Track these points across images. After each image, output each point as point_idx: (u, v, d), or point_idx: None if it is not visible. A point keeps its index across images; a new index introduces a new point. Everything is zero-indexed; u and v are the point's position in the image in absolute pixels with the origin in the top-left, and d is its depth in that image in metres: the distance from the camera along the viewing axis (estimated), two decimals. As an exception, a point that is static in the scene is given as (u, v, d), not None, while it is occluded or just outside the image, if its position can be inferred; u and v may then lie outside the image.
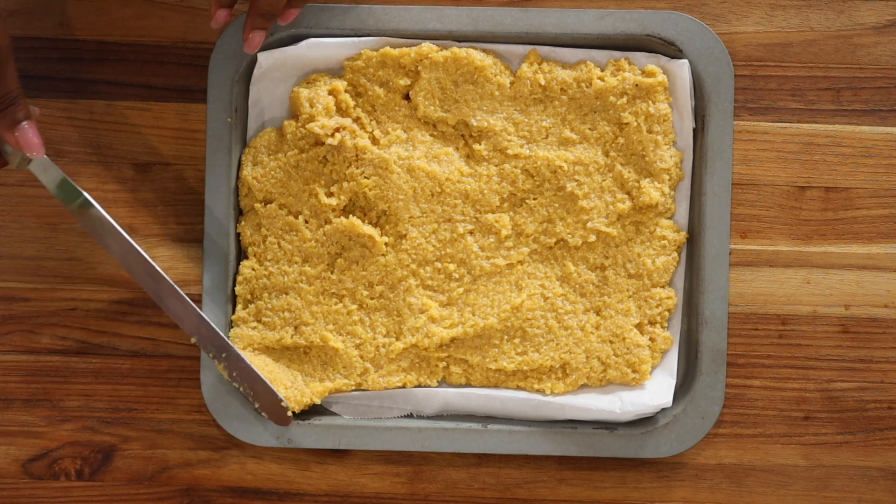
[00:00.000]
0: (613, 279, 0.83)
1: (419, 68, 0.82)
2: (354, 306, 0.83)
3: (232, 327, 0.83)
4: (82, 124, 0.85)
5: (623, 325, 0.82)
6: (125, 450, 0.85)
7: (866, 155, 0.84)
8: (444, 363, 0.83)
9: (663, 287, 0.83)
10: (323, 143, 0.81)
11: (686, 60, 0.82)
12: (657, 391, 0.82)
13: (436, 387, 0.83)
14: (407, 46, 0.82)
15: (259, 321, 0.83)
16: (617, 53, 0.83)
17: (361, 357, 0.83)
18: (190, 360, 0.84)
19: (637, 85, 0.82)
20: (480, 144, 0.82)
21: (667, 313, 0.83)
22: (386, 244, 0.82)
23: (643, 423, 0.82)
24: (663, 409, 0.82)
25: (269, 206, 0.82)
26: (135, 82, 0.85)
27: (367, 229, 0.82)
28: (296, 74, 0.83)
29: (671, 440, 0.82)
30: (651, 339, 0.83)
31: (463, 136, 0.83)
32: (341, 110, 0.82)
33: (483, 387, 0.83)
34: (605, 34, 0.82)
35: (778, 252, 0.84)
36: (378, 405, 0.83)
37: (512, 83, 0.83)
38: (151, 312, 0.85)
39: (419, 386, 0.83)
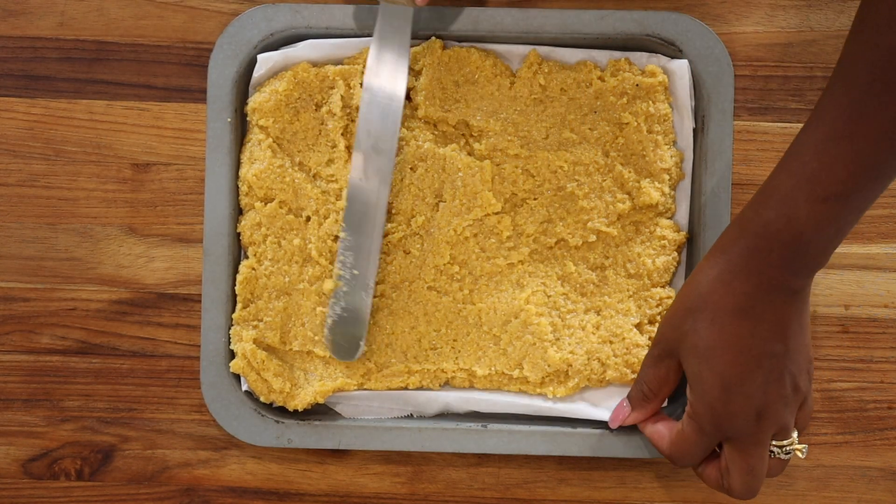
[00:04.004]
0: (613, 279, 0.83)
1: (420, 68, 0.82)
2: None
3: (232, 327, 0.83)
4: (82, 124, 0.85)
5: (623, 325, 0.82)
6: (125, 450, 0.85)
7: (866, 155, 0.84)
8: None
9: (663, 287, 0.83)
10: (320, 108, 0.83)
11: (686, 60, 0.82)
12: None
13: (438, 389, 0.83)
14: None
15: (260, 321, 0.82)
16: (617, 53, 0.83)
17: (367, 356, 0.83)
18: (190, 360, 0.84)
19: (637, 85, 0.82)
20: (481, 144, 0.82)
21: (667, 313, 0.83)
22: (387, 241, 0.83)
23: (643, 423, 0.83)
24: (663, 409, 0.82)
25: (269, 205, 0.82)
26: (134, 82, 0.85)
27: None
28: (296, 74, 0.83)
29: (671, 440, 0.82)
30: (650, 339, 0.83)
31: (464, 135, 0.83)
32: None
33: (485, 389, 0.83)
34: (605, 34, 0.82)
35: (778, 252, 0.84)
36: (378, 405, 0.83)
37: (512, 83, 0.83)
38: (151, 312, 0.85)
39: (421, 388, 0.83)
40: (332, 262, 0.83)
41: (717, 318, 0.71)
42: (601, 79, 0.82)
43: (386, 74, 0.79)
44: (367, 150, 0.79)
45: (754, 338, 0.70)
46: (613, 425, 0.80)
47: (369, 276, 0.80)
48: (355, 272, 0.80)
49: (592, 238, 0.82)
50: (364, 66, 0.82)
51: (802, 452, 0.74)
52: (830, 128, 0.66)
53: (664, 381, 0.76)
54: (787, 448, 0.74)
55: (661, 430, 0.77)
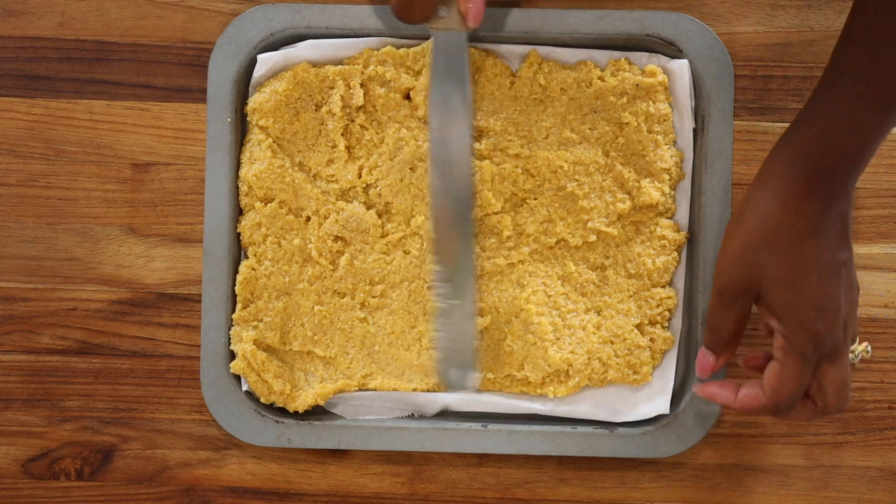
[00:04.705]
0: (614, 279, 0.83)
1: (420, 68, 0.82)
2: (357, 305, 0.83)
3: (232, 327, 0.83)
4: (82, 124, 0.85)
5: (623, 325, 0.82)
6: (125, 450, 0.85)
7: (866, 155, 0.84)
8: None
9: (663, 287, 0.83)
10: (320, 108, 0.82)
11: (686, 60, 0.82)
12: (655, 397, 0.82)
13: (441, 391, 0.83)
14: (408, 47, 0.82)
15: (260, 321, 0.82)
16: (617, 53, 0.83)
17: (367, 356, 0.83)
18: (190, 360, 0.84)
19: (637, 85, 0.82)
20: (481, 144, 0.82)
21: (667, 313, 0.83)
22: (387, 241, 0.83)
23: (643, 422, 0.82)
24: (663, 409, 0.83)
25: (269, 205, 0.82)
26: (135, 82, 0.85)
27: (369, 215, 0.82)
28: (296, 74, 0.83)
29: (671, 440, 0.82)
30: (651, 340, 0.83)
31: (463, 135, 0.83)
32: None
33: (486, 390, 0.83)
34: (605, 34, 0.82)
35: (778, 252, 0.84)
36: (379, 406, 0.83)
37: (512, 83, 0.83)
38: (151, 312, 0.85)
39: (426, 390, 0.83)
40: (332, 262, 0.83)
41: (795, 244, 0.71)
42: (601, 79, 0.82)
43: (450, 105, 0.79)
44: (442, 175, 0.79)
45: (829, 252, 0.71)
46: (705, 375, 0.78)
47: (470, 305, 0.80)
48: (455, 302, 0.80)
49: (592, 238, 0.82)
50: (364, 66, 0.82)
51: (868, 352, 0.75)
52: (879, 41, 0.67)
53: (741, 321, 0.75)
54: (857, 352, 0.75)
55: (752, 391, 0.75)
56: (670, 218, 0.83)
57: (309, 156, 0.83)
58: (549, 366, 0.82)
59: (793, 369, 0.72)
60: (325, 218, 0.83)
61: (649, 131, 0.82)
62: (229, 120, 0.82)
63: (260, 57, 0.82)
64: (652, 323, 0.83)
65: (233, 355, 0.82)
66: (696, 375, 0.79)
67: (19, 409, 0.85)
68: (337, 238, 0.83)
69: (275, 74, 0.83)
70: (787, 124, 0.83)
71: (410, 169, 0.82)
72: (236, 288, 0.83)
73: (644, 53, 0.83)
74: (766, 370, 0.73)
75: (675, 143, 0.83)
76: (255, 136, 0.83)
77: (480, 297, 0.83)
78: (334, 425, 0.82)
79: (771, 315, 0.72)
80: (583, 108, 0.83)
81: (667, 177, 0.82)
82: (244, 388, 0.83)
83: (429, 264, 0.82)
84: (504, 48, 0.83)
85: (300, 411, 0.82)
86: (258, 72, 0.82)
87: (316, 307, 0.83)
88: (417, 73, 0.82)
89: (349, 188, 0.83)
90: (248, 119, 0.83)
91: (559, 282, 0.83)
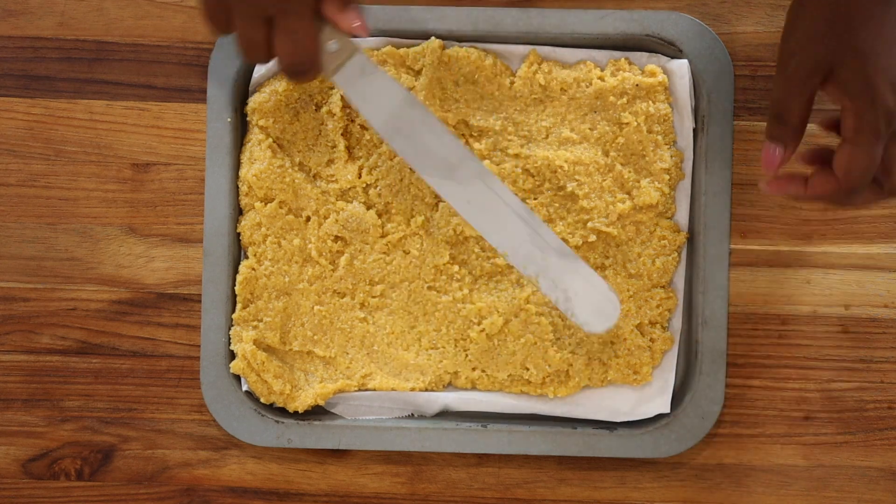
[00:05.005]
0: (613, 279, 0.83)
1: (420, 68, 0.82)
2: (356, 305, 0.83)
3: (232, 327, 0.83)
4: (82, 124, 0.85)
5: (623, 325, 0.82)
6: (125, 450, 0.85)
7: (866, 155, 0.84)
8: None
9: (663, 287, 0.83)
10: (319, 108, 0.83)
11: (686, 60, 0.82)
12: (655, 397, 0.82)
13: (441, 391, 0.83)
14: (407, 47, 0.82)
15: (260, 321, 0.83)
16: (617, 53, 0.83)
17: (367, 356, 0.83)
18: (190, 360, 0.84)
19: (637, 85, 0.82)
20: (481, 144, 0.82)
21: (667, 313, 0.83)
22: (387, 241, 0.83)
23: (643, 422, 0.82)
24: (663, 410, 0.82)
25: (269, 205, 0.82)
26: (134, 82, 0.85)
27: (369, 215, 0.82)
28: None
29: (671, 440, 0.82)
30: (651, 340, 0.83)
31: (463, 135, 0.83)
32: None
33: (486, 390, 0.83)
34: (605, 34, 0.82)
35: (778, 252, 0.84)
36: (379, 406, 0.83)
37: (512, 83, 0.83)
38: (151, 312, 0.85)
39: (426, 390, 0.83)
40: (332, 262, 0.83)
41: (869, 16, 0.69)
42: (601, 78, 0.82)
43: (395, 105, 0.75)
44: (445, 173, 0.76)
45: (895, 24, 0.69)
46: (772, 169, 0.74)
47: (550, 240, 0.76)
48: (543, 260, 0.76)
49: (592, 238, 0.82)
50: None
51: None
52: None
53: (809, 104, 0.73)
54: None
55: (822, 176, 0.72)
56: (670, 218, 0.83)
57: (309, 156, 0.83)
58: (549, 366, 0.82)
59: (865, 146, 0.70)
60: (325, 218, 0.83)
61: (649, 131, 0.82)
62: (229, 120, 0.82)
63: (260, 57, 0.82)
64: (652, 323, 0.83)
65: (233, 355, 0.82)
66: (763, 173, 0.76)
67: (19, 409, 0.85)
68: (337, 238, 0.83)
69: (275, 74, 0.83)
70: (787, 124, 0.84)
71: (410, 169, 0.82)
72: (236, 288, 0.83)
73: (644, 53, 0.83)
74: (837, 153, 0.71)
75: (675, 143, 0.83)
76: (255, 136, 0.83)
77: (479, 295, 0.83)
78: (334, 425, 0.82)
79: (843, 93, 0.70)
80: (583, 108, 0.83)
81: (666, 177, 0.82)
82: (244, 388, 0.83)
83: (429, 265, 0.83)
84: (504, 48, 0.83)
85: (300, 411, 0.82)
86: (258, 72, 0.82)
87: (316, 307, 0.83)
88: (417, 73, 0.82)
89: (349, 188, 0.83)
90: (248, 119, 0.83)
91: (559, 282, 0.83)
